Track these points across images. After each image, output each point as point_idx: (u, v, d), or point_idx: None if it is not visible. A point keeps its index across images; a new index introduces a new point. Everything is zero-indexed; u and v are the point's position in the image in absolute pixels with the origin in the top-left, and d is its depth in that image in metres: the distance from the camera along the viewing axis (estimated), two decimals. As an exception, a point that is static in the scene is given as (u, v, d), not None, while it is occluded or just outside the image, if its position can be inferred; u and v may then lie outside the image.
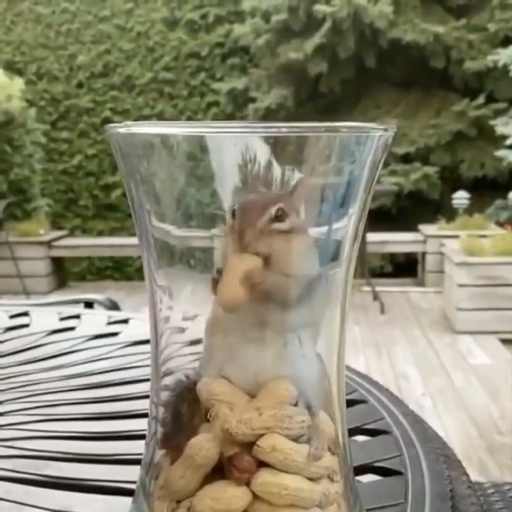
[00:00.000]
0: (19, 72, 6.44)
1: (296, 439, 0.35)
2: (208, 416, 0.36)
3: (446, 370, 3.29)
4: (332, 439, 0.38)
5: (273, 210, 0.37)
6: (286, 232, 0.37)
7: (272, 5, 6.24)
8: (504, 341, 3.72)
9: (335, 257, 0.38)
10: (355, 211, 0.38)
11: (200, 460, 0.35)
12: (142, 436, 0.42)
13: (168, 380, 0.40)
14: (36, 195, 5.94)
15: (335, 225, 0.37)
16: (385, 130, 0.36)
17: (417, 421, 0.60)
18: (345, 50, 6.02)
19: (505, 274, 3.92)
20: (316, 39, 6.00)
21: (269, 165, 0.35)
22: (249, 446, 0.35)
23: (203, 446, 0.35)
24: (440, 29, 5.90)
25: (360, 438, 0.58)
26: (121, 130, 0.36)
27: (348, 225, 0.38)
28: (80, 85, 6.86)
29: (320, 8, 5.90)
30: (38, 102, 6.69)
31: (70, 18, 6.85)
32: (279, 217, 0.37)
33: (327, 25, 5.93)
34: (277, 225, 0.36)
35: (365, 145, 0.36)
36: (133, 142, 0.36)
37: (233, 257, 0.36)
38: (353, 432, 0.57)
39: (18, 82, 5.60)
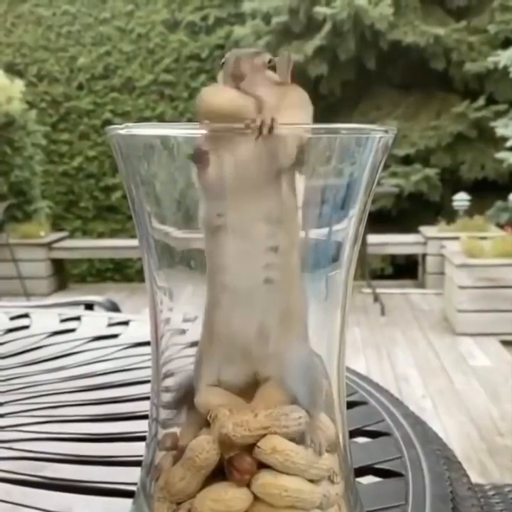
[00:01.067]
0: (20, 74, 6.44)
1: (294, 438, 0.35)
2: (208, 418, 0.36)
3: (447, 372, 3.29)
4: (332, 440, 0.38)
5: (266, 57, 0.36)
6: (279, 84, 0.36)
7: (272, 7, 6.24)
8: (505, 343, 3.71)
9: (335, 258, 0.38)
10: (356, 213, 0.38)
11: (200, 462, 0.35)
12: (142, 438, 0.42)
13: (168, 382, 0.40)
14: (37, 197, 5.95)
15: (335, 227, 0.38)
16: (385, 132, 0.37)
17: (417, 422, 0.60)
18: (345, 51, 6.02)
19: (506, 275, 3.92)
20: (317, 41, 6.01)
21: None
22: (249, 447, 0.35)
23: (204, 448, 0.35)
24: (440, 31, 5.90)
25: (361, 439, 0.58)
26: (122, 131, 0.36)
27: (348, 226, 0.38)
28: (80, 87, 6.86)
29: (320, 9, 5.90)
30: (39, 103, 6.69)
31: (71, 20, 6.85)
32: (272, 67, 0.36)
33: (327, 27, 5.93)
34: (271, 73, 0.36)
35: (365, 147, 0.36)
36: (133, 144, 0.36)
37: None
38: (353, 433, 0.57)
39: (19, 84, 5.61)
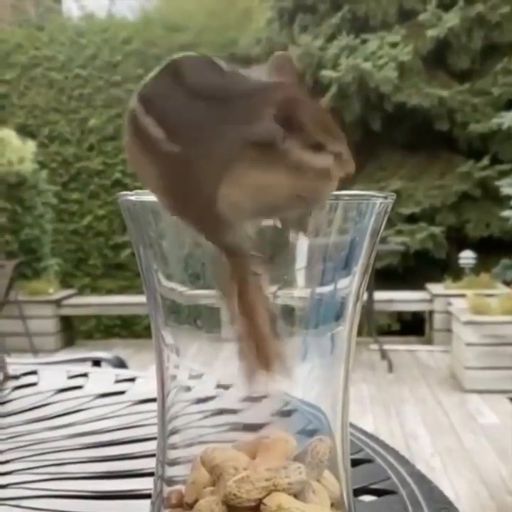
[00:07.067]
0: (32, 135, 6.57)
1: (297, 492, 0.35)
2: (213, 476, 0.36)
3: (456, 430, 3.24)
4: (337, 498, 0.39)
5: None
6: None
7: (279, 71, 6.40)
8: (513, 401, 3.68)
9: (339, 315, 0.39)
10: (358, 273, 0.39)
11: (209, 525, 0.35)
12: (147, 496, 0.42)
13: (174, 439, 0.40)
14: (46, 255, 6.00)
15: (339, 285, 0.39)
16: (385, 198, 0.38)
17: (423, 481, 0.60)
18: (350, 113, 6.14)
19: (513, 333, 3.91)
20: (323, 103, 6.14)
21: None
22: (253, 507, 0.35)
23: (213, 510, 0.35)
24: (444, 93, 6.02)
25: (367, 498, 0.57)
26: (132, 198, 0.38)
27: (351, 285, 0.39)
28: (91, 148, 6.99)
29: (326, 73, 6.05)
30: (50, 164, 6.81)
31: (83, 83, 7.04)
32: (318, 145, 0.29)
33: (333, 89, 6.07)
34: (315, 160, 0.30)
35: (366, 212, 0.38)
36: (142, 208, 0.38)
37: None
38: (359, 491, 0.56)
39: (31, 145, 5.72)
